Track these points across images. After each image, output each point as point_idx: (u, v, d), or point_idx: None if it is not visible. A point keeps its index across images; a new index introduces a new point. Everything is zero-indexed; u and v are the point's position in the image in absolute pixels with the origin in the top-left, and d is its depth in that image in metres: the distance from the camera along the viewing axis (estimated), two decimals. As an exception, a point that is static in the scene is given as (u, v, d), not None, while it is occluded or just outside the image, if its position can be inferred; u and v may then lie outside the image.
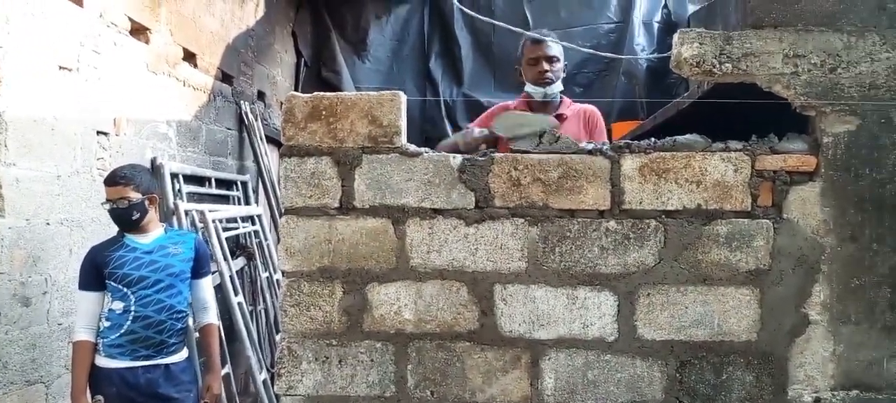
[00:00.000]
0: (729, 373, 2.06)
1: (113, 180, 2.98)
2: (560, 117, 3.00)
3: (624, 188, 2.06)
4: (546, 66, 3.04)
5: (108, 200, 3.00)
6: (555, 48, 3.09)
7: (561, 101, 3.18)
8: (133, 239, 3.03)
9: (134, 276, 2.95)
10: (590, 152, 2.07)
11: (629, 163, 2.06)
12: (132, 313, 2.94)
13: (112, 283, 2.95)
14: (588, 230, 2.07)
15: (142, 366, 2.97)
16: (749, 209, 2.04)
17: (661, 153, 2.05)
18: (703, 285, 2.05)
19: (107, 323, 2.97)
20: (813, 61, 2.04)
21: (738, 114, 2.39)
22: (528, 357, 2.09)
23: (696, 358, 2.06)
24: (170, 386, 3.03)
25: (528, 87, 3.12)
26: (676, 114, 2.85)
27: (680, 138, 2.07)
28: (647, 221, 2.05)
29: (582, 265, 2.07)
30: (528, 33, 3.33)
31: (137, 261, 2.97)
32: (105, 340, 2.97)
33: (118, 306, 2.95)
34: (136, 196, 2.97)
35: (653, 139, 2.09)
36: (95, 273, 2.97)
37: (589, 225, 2.07)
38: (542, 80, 3.06)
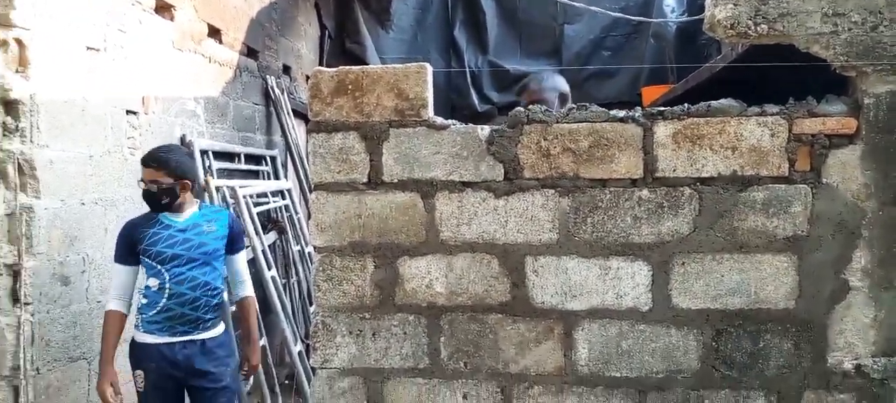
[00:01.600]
0: (766, 341, 2.03)
1: (146, 161, 3.00)
2: None
3: (657, 155, 2.02)
4: None
5: (142, 179, 3.03)
6: (537, 91, 3.16)
7: None
8: (168, 216, 3.06)
9: (167, 254, 2.98)
10: (622, 120, 2.03)
11: (662, 130, 2.01)
12: (167, 290, 2.98)
13: (146, 260, 2.99)
14: (620, 199, 2.03)
15: (179, 342, 3.02)
16: (786, 174, 1.99)
17: (695, 119, 2.01)
18: (740, 253, 2.01)
19: (144, 300, 3.02)
20: (853, 19, 1.97)
21: (774, 77, 2.33)
22: (562, 328, 2.08)
23: (733, 327, 2.04)
24: (207, 361, 3.08)
25: None
26: (709, 79, 2.79)
27: (714, 103, 2.02)
28: (682, 189, 2.01)
29: (614, 235, 2.04)
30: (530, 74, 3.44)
31: (172, 239, 3.00)
32: (143, 316, 3.02)
33: (154, 283, 2.99)
34: (167, 180, 2.99)
35: (686, 104, 2.05)
36: (130, 247, 3.01)
37: (621, 194, 2.03)
38: None
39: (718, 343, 2.04)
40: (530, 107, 3.06)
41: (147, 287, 3.01)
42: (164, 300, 2.98)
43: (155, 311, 2.99)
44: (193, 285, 3.01)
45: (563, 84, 3.28)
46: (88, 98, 3.39)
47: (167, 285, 2.98)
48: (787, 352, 2.02)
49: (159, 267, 2.98)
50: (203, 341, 3.08)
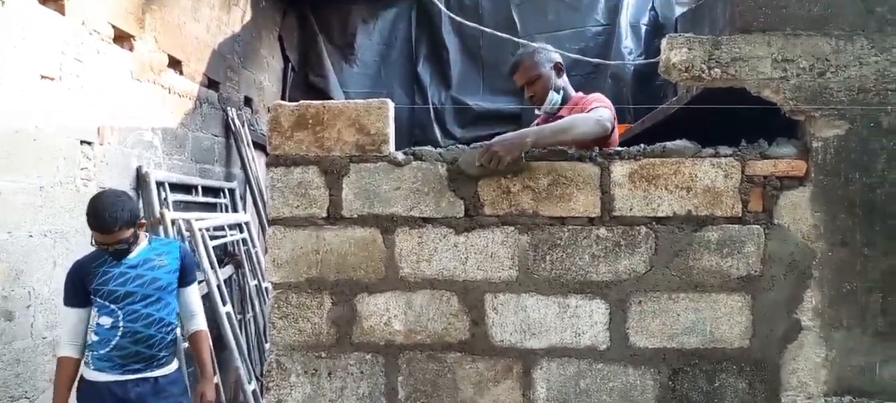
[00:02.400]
0: (722, 380, 2.04)
1: (104, 227, 2.84)
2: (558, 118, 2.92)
3: (614, 195, 2.04)
4: (528, 92, 3.00)
5: (100, 244, 2.91)
6: (529, 67, 3.00)
7: (564, 102, 3.06)
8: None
9: (120, 292, 2.90)
10: (579, 159, 2.05)
11: (619, 170, 2.04)
12: (121, 328, 2.89)
13: (98, 300, 2.90)
14: (579, 237, 2.05)
15: (131, 380, 2.92)
16: (740, 215, 2.03)
17: (651, 159, 2.04)
18: (695, 292, 2.04)
19: (95, 337, 2.92)
20: (802, 65, 2.04)
21: (728, 118, 2.38)
22: (520, 367, 2.07)
23: (689, 366, 2.05)
24: (159, 399, 2.98)
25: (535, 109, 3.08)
26: (665, 119, 2.85)
27: (670, 144, 2.06)
28: (638, 228, 2.04)
29: (573, 273, 2.05)
30: (520, 41, 3.27)
31: (123, 277, 2.92)
32: (94, 353, 2.92)
33: (106, 321, 2.90)
34: (129, 232, 2.91)
35: (642, 145, 2.08)
36: (80, 289, 2.91)
37: (579, 232, 2.05)
38: (533, 103, 3.02)
39: (675, 383, 2.05)
40: (525, 87, 2.97)
41: (98, 325, 2.92)
42: (117, 338, 2.89)
43: (108, 349, 2.89)
44: (148, 322, 2.93)
45: (555, 54, 3.12)
46: (41, 128, 3.31)
47: (121, 323, 2.89)
48: (742, 392, 2.04)
49: (112, 305, 2.90)
50: (156, 379, 2.99)
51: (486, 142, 2.06)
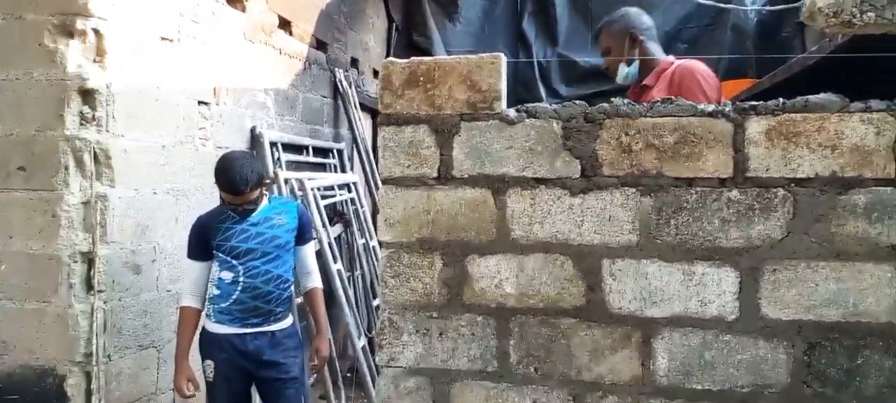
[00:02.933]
0: (865, 357, 1.86)
1: (236, 189, 2.94)
2: (644, 89, 2.79)
3: (748, 154, 1.87)
4: (605, 66, 2.90)
5: (230, 204, 2.99)
6: (604, 39, 2.91)
7: (649, 71, 2.90)
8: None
9: (241, 249, 3.00)
10: (710, 114, 1.89)
11: (755, 127, 1.87)
12: (241, 283, 2.99)
13: (220, 255, 3.01)
14: (708, 200, 1.90)
15: (250, 333, 3.04)
16: (892, 177, 1.82)
17: (791, 114, 1.86)
18: (837, 260, 1.86)
19: (216, 291, 3.04)
20: (974, 7, 1.79)
21: (875, 73, 2.15)
22: (640, 336, 1.96)
23: (828, 340, 1.88)
24: (276, 352, 3.09)
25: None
26: (800, 72, 2.61)
27: (813, 97, 1.86)
28: (775, 190, 1.87)
29: (700, 238, 1.91)
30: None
31: (244, 234, 3.01)
32: (215, 306, 3.04)
33: (227, 275, 3.01)
34: (257, 193, 3.00)
35: (781, 99, 1.90)
36: (203, 244, 3.04)
37: (709, 194, 1.90)
38: (608, 75, 2.92)
39: (811, 358, 1.89)
40: (605, 58, 2.90)
41: (220, 279, 3.03)
42: (237, 292, 3.00)
43: (228, 302, 3.01)
44: (267, 278, 3.02)
45: (637, 20, 2.98)
46: (162, 88, 3.44)
47: (241, 278, 2.99)
48: (889, 371, 1.85)
49: (234, 261, 3.00)
50: (273, 332, 3.09)
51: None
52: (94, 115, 3.01)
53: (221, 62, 3.96)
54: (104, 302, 3.06)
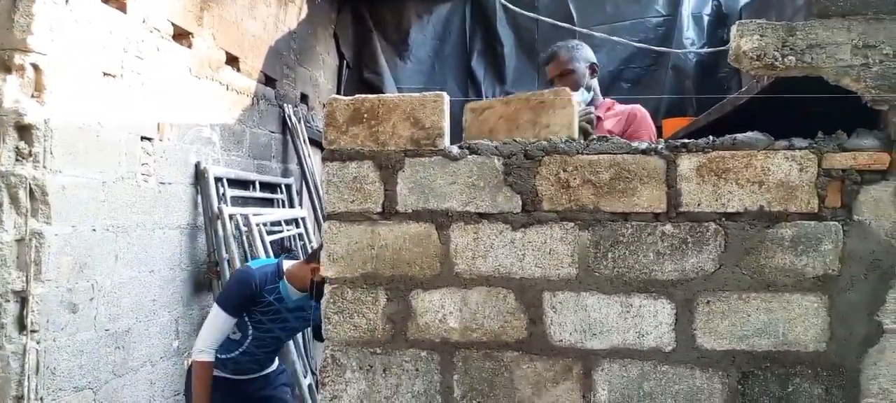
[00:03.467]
0: (795, 385, 1.93)
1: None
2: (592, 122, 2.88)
3: (681, 189, 1.95)
4: (558, 85, 2.95)
5: (316, 280, 2.80)
6: (565, 61, 2.96)
7: (596, 106, 3.00)
8: (287, 288, 2.98)
9: (266, 327, 3.01)
10: (644, 152, 1.96)
11: (686, 163, 1.94)
12: (244, 348, 3.03)
13: (246, 320, 2.99)
14: (643, 234, 1.96)
15: (243, 379, 3.10)
16: (816, 210, 1.91)
17: (721, 152, 1.94)
18: (767, 292, 1.93)
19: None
20: (885, 51, 1.90)
21: (800, 110, 2.26)
22: (581, 368, 2.00)
23: (760, 369, 1.94)
24: (268, 389, 3.17)
25: None
26: (733, 111, 2.72)
27: (740, 136, 1.95)
28: (707, 224, 1.94)
29: (636, 271, 1.96)
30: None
31: (278, 316, 3.00)
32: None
33: (236, 335, 3.01)
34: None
35: (711, 137, 1.98)
36: (246, 304, 2.95)
37: (644, 228, 1.96)
38: None
39: (744, 387, 1.95)
40: (555, 80, 2.93)
41: (229, 336, 3.04)
42: (237, 353, 3.03)
43: (225, 355, 3.01)
44: (268, 351, 3.10)
45: (591, 54, 3.08)
46: (103, 123, 3.38)
47: (246, 344, 3.02)
48: (818, 398, 1.92)
49: (252, 329, 2.99)
50: (267, 375, 3.20)
51: None
52: (30, 151, 2.94)
53: (166, 98, 3.92)
54: (37, 343, 2.96)
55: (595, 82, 3.01)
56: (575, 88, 2.91)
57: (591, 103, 2.95)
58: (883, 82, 1.90)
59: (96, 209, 3.34)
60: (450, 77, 7.50)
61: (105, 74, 3.40)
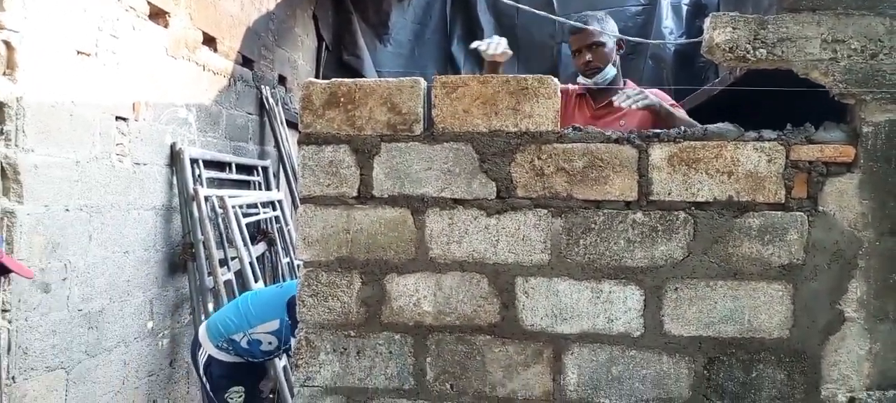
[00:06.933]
0: (759, 371, 1.98)
1: None
2: (615, 109, 2.75)
3: (652, 178, 1.98)
4: (588, 57, 2.79)
5: None
6: (597, 33, 2.77)
7: (624, 84, 2.88)
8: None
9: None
10: (617, 141, 1.99)
11: (658, 153, 1.98)
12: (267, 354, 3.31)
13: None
14: (614, 222, 1.99)
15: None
16: (783, 201, 1.95)
17: (691, 142, 1.97)
18: (734, 279, 1.97)
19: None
20: (853, 46, 1.95)
21: (772, 101, 2.30)
22: (551, 352, 2.03)
23: (725, 355, 1.99)
24: None
25: (579, 78, 2.91)
26: (706, 101, 2.76)
27: (711, 127, 1.99)
28: (676, 213, 1.98)
29: (607, 258, 2.00)
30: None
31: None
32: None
33: (272, 345, 3.26)
34: None
35: (682, 128, 2.01)
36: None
37: (615, 216, 1.99)
38: (586, 71, 2.83)
39: (710, 372, 2.00)
40: (583, 50, 2.78)
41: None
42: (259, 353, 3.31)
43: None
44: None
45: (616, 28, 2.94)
46: (77, 102, 3.34)
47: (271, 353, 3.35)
48: (780, 383, 1.98)
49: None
50: None
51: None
52: (2, 129, 2.89)
53: (141, 77, 3.88)
54: (9, 322, 2.94)
55: (618, 59, 2.88)
56: (604, 63, 2.79)
57: (615, 81, 2.84)
58: (850, 77, 1.94)
59: (69, 189, 3.31)
60: (430, 61, 7.49)
61: (79, 53, 3.35)
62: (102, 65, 3.54)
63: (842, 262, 1.94)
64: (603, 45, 2.77)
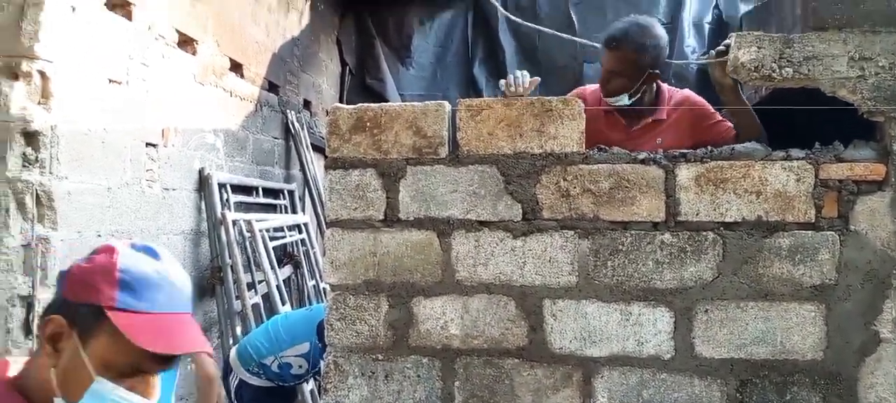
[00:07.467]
0: (793, 394, 1.95)
1: None
2: (657, 123, 2.60)
3: (679, 199, 1.97)
4: (605, 77, 2.67)
5: None
6: (624, 59, 2.58)
7: (658, 99, 2.65)
8: None
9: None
10: (643, 161, 1.99)
11: (685, 173, 1.97)
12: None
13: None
14: (642, 243, 1.98)
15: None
16: (813, 220, 1.93)
17: (719, 162, 1.96)
18: (765, 300, 1.95)
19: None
20: (881, 64, 1.93)
21: (799, 120, 2.28)
22: (580, 375, 2.02)
23: (758, 377, 1.96)
24: None
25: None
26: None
27: (738, 146, 1.98)
28: (705, 233, 1.96)
29: (636, 279, 1.99)
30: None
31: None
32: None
33: (301, 369, 3.31)
34: None
35: (709, 147, 2.00)
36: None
37: (643, 237, 1.98)
38: (606, 85, 2.70)
39: (743, 395, 1.97)
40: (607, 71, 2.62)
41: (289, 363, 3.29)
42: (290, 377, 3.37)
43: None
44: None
45: (664, 53, 2.69)
46: (109, 130, 3.41)
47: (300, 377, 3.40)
48: (815, 405, 1.94)
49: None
50: None
51: None
52: (37, 157, 2.96)
53: (170, 104, 3.95)
54: (43, 348, 2.99)
55: (658, 85, 2.74)
56: (620, 90, 2.63)
57: (654, 101, 2.67)
58: (879, 94, 1.92)
59: (101, 214, 3.37)
60: (452, 84, 7.52)
61: (111, 81, 3.43)
62: (133, 92, 3.61)
63: (875, 282, 1.91)
64: (627, 74, 2.58)
